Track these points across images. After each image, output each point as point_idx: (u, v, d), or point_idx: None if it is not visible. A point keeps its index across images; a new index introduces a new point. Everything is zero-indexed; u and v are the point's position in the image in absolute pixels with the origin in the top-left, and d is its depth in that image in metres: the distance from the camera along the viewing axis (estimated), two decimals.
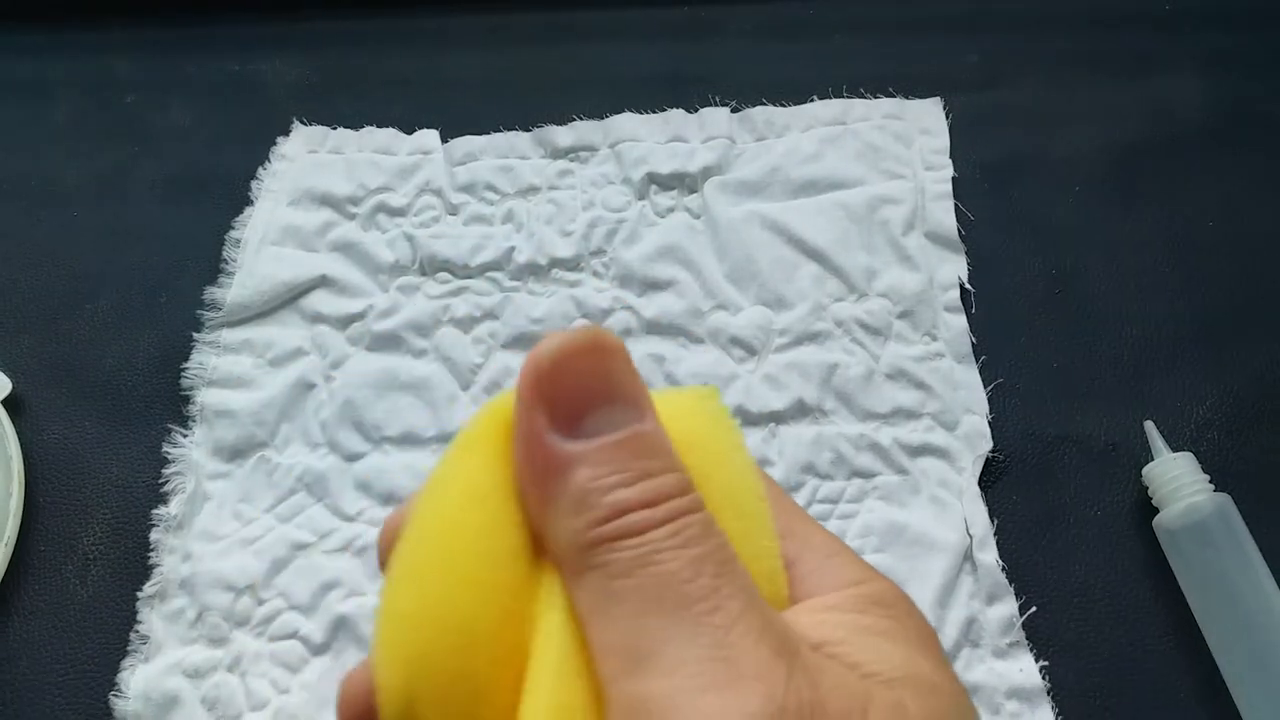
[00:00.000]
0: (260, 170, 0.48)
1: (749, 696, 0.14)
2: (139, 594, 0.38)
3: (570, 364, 0.16)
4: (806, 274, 0.43)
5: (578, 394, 0.16)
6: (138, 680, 0.37)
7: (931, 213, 0.45)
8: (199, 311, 0.44)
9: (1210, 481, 0.37)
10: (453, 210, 0.46)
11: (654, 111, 0.49)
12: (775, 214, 0.45)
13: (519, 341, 0.43)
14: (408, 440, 0.41)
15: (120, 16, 0.55)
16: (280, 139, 0.49)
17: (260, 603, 0.38)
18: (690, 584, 0.15)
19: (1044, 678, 0.36)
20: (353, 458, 0.41)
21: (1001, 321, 0.43)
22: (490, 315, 0.43)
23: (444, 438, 0.41)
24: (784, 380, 0.41)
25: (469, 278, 0.44)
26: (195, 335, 0.44)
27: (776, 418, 0.41)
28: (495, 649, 0.16)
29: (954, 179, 0.46)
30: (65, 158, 0.50)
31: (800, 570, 0.18)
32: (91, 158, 0.50)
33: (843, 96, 0.49)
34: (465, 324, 0.43)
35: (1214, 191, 0.46)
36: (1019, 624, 0.36)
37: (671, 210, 0.46)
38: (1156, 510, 0.38)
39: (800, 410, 0.41)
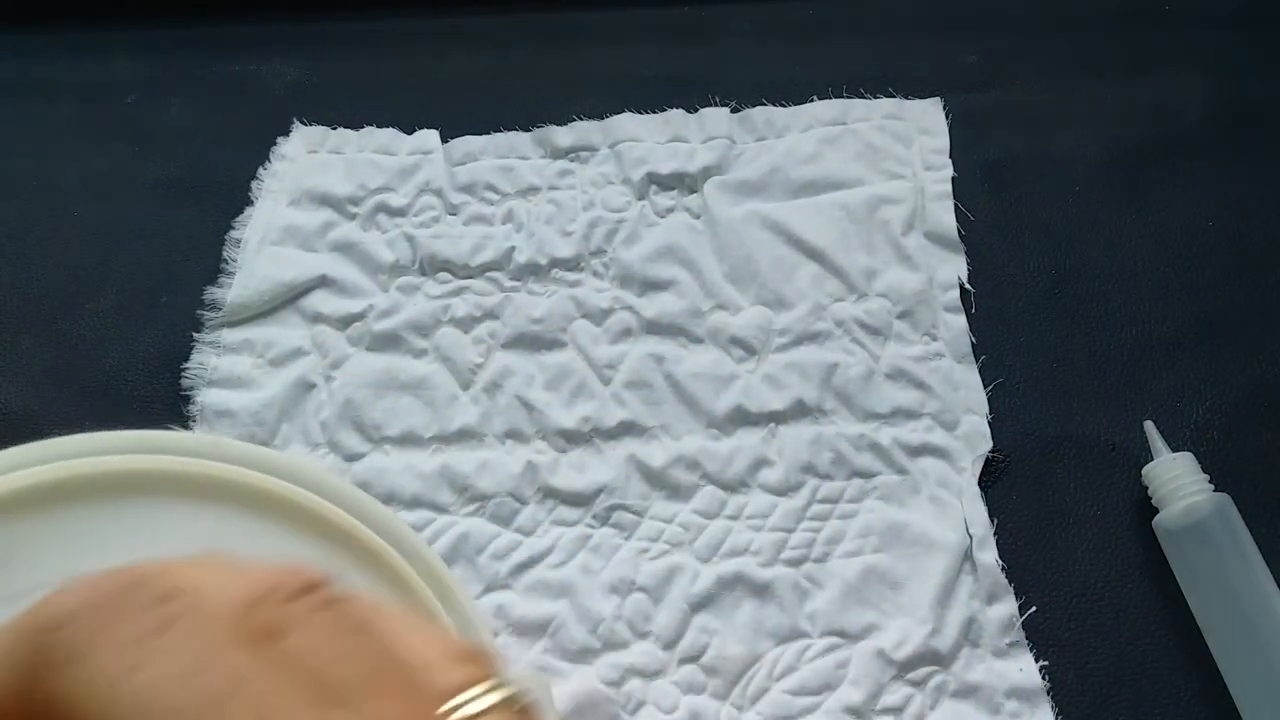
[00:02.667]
0: (260, 170, 0.48)
1: None
2: None
3: None
4: (806, 274, 0.44)
5: None
6: None
7: (931, 213, 0.45)
8: (199, 311, 0.44)
9: (1210, 481, 0.37)
10: (453, 210, 0.46)
11: (654, 111, 0.49)
12: (775, 214, 0.45)
13: (519, 341, 0.43)
14: (408, 440, 0.41)
15: (120, 16, 0.55)
16: (280, 139, 0.49)
17: None
18: None
19: (1044, 678, 0.36)
20: (353, 458, 0.41)
21: (1001, 321, 0.43)
22: (490, 315, 0.43)
23: (444, 437, 0.41)
24: (784, 380, 0.41)
25: (469, 278, 0.44)
26: (195, 335, 0.44)
27: (776, 418, 0.41)
28: None
29: (954, 179, 0.46)
30: (65, 158, 0.50)
31: None
32: (91, 158, 0.50)
33: (843, 96, 0.49)
34: (465, 324, 0.43)
35: (1214, 191, 0.46)
36: (1019, 624, 0.36)
37: (671, 210, 0.46)
38: (1156, 510, 0.38)
39: (800, 410, 0.41)
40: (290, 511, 0.28)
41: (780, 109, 0.48)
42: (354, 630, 0.14)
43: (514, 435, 0.41)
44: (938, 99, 0.49)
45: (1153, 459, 0.38)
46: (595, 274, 0.44)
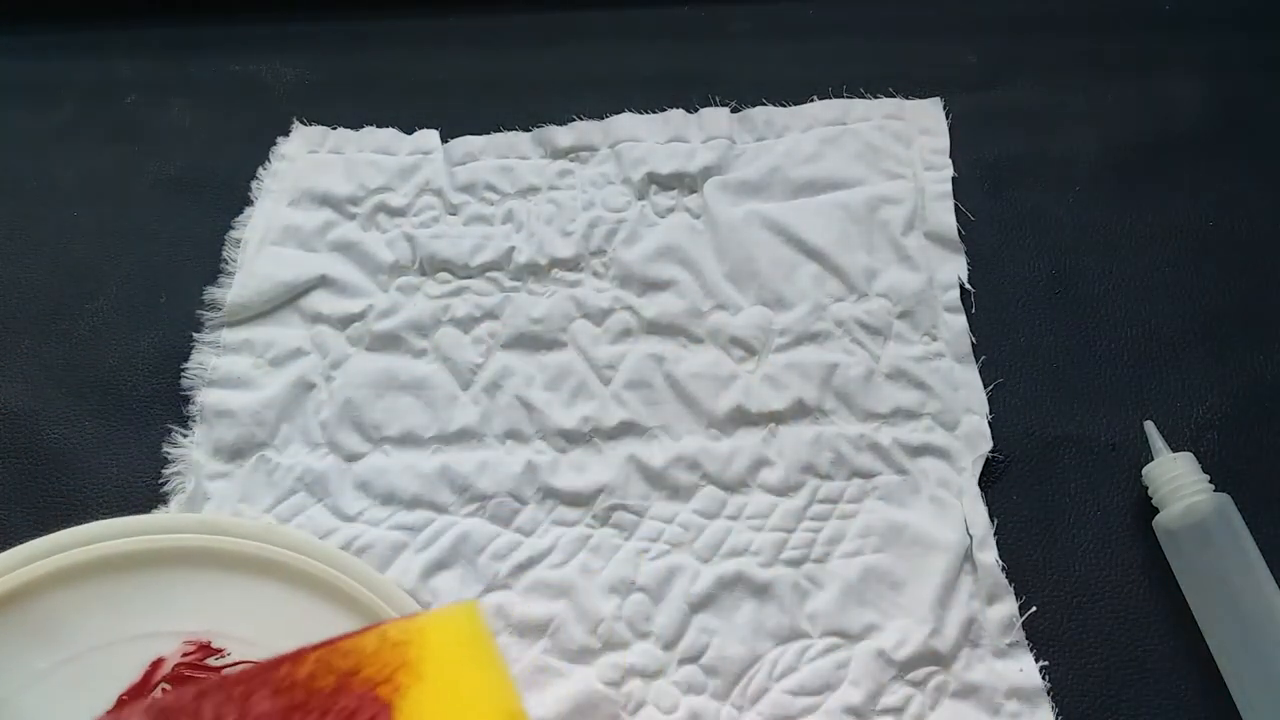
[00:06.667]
0: (260, 170, 0.48)
1: None
2: None
3: None
4: (806, 274, 0.44)
5: None
6: None
7: (931, 213, 0.45)
8: (199, 311, 0.44)
9: (1210, 481, 0.37)
10: (453, 210, 0.46)
11: (654, 111, 0.49)
12: (775, 214, 0.45)
13: (519, 341, 0.43)
14: (408, 440, 0.41)
15: (120, 16, 0.55)
16: (280, 139, 0.49)
17: None
18: None
19: (1044, 678, 0.36)
20: (353, 458, 0.41)
21: (1001, 321, 0.43)
22: (490, 315, 0.43)
23: (444, 438, 0.41)
24: (784, 380, 0.41)
25: (469, 278, 0.44)
26: (195, 335, 0.44)
27: (776, 418, 0.41)
28: None
29: (954, 179, 0.46)
30: (65, 158, 0.50)
31: None
32: (91, 158, 0.50)
33: (843, 96, 0.49)
34: (465, 324, 0.43)
35: (1214, 191, 0.46)
36: (1019, 624, 0.36)
37: (671, 210, 0.46)
38: (1156, 510, 0.38)
39: (800, 410, 0.41)
40: (298, 578, 0.36)
41: (780, 109, 0.48)
42: None
43: (514, 435, 0.41)
44: (938, 99, 0.49)
45: (1153, 459, 0.38)
46: (595, 274, 0.44)
